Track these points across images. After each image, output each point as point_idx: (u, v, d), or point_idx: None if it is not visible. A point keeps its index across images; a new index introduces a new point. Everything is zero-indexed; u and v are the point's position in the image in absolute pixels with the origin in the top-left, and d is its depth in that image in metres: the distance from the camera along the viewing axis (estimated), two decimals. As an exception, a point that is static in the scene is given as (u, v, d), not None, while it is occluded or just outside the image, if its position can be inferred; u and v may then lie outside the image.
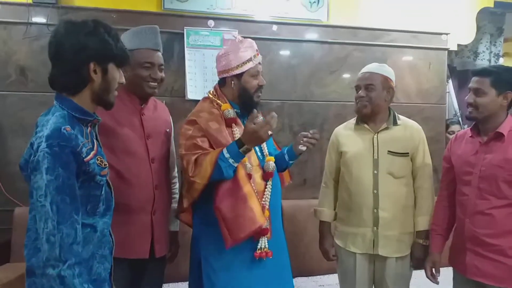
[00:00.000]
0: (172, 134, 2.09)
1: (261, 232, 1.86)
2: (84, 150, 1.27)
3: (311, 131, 2.00)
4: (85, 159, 1.26)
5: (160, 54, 1.94)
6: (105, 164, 1.35)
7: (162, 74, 1.93)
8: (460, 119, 3.94)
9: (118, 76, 1.37)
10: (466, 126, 3.87)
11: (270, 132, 1.76)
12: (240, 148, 1.78)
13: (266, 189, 1.93)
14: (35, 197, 1.23)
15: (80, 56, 1.28)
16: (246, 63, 1.93)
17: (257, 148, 1.98)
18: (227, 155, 1.77)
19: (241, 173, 1.84)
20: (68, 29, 1.29)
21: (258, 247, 1.88)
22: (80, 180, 1.27)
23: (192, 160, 1.81)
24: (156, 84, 1.91)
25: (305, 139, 1.98)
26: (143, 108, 1.92)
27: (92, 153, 1.30)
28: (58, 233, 1.20)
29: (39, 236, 1.22)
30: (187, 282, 2.07)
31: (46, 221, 1.20)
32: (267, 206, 1.91)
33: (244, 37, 2.01)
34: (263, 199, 1.91)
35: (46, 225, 1.20)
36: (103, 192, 1.36)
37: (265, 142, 1.98)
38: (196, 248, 1.97)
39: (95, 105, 1.37)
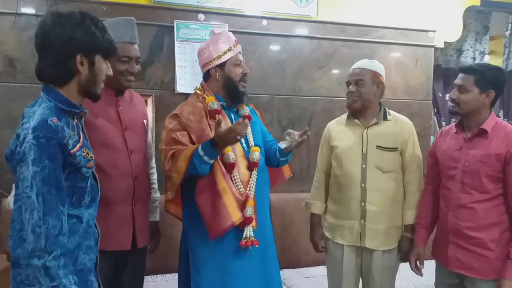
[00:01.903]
0: (149, 126, 2.10)
1: (245, 221, 1.89)
2: (71, 142, 1.27)
3: (297, 133, 1.97)
4: (71, 151, 1.27)
5: (136, 46, 1.93)
6: (91, 156, 1.36)
7: (139, 67, 1.93)
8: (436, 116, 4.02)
9: (105, 68, 1.38)
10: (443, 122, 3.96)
11: (238, 137, 1.78)
12: (214, 146, 1.80)
13: (251, 179, 1.96)
14: (21, 188, 1.23)
15: (67, 48, 1.28)
16: (226, 52, 1.97)
17: (242, 140, 1.98)
18: (201, 153, 1.80)
19: (217, 170, 1.85)
20: (55, 21, 1.29)
21: (244, 236, 1.90)
22: (66, 172, 1.27)
23: (169, 155, 1.86)
24: (133, 77, 1.91)
25: (290, 137, 1.97)
26: (119, 100, 1.91)
27: (78, 145, 1.30)
28: (44, 224, 1.20)
29: (25, 227, 1.23)
30: (176, 274, 2.10)
31: (32, 212, 1.20)
32: (251, 196, 1.93)
33: (234, 32, 2.07)
34: (248, 189, 1.93)
35: (32, 216, 1.20)
36: (88, 184, 1.37)
37: (251, 133, 2.03)
38: (185, 240, 2.00)
39: (82, 97, 1.37)
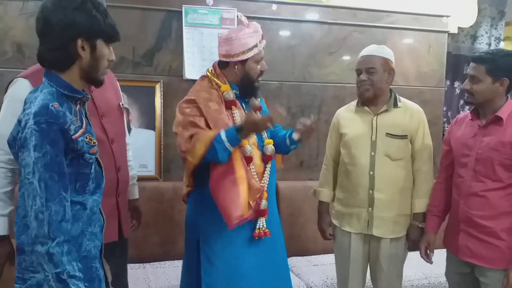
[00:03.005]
0: (123, 104, 1.98)
1: (259, 213, 1.90)
2: (72, 127, 1.25)
3: (309, 120, 1.95)
4: (73, 137, 1.25)
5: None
6: (94, 142, 1.34)
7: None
8: None
9: (107, 53, 1.35)
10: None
11: (269, 125, 1.76)
12: (239, 133, 1.77)
13: (265, 171, 1.95)
14: (23, 174, 1.22)
15: (67, 32, 1.26)
16: (252, 49, 1.89)
17: None
18: (224, 138, 1.76)
19: (237, 158, 1.83)
20: (56, 4, 1.27)
21: (257, 227, 1.91)
22: (68, 158, 1.26)
23: (187, 136, 1.81)
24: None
25: (302, 127, 1.94)
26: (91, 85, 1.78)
27: (81, 131, 1.29)
28: (47, 211, 1.19)
29: (28, 214, 1.22)
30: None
31: (35, 198, 1.19)
32: (265, 188, 1.93)
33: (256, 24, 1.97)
34: (263, 181, 1.93)
35: (35, 203, 1.19)
36: (92, 170, 1.35)
37: None
38: (193, 230, 1.98)
39: (84, 82, 1.35)
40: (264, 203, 1.91)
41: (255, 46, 1.90)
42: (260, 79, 1.99)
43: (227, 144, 1.76)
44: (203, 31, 2.95)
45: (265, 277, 1.94)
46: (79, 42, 1.28)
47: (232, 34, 1.90)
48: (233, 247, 1.90)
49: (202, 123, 1.86)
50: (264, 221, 1.93)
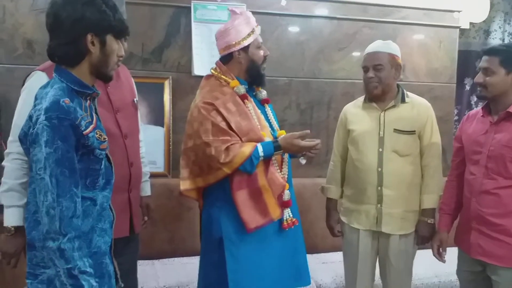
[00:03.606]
0: (137, 100, 2.00)
1: (285, 204, 1.94)
2: (83, 123, 1.26)
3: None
4: (84, 132, 1.25)
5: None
6: (104, 138, 1.34)
7: (126, 44, 1.75)
8: None
9: (117, 48, 1.35)
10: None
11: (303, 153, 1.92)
12: (276, 151, 1.85)
13: (284, 161, 1.98)
14: (34, 170, 1.23)
15: (77, 27, 1.27)
16: (250, 34, 1.94)
17: (267, 123, 2.01)
18: (261, 154, 1.82)
19: (260, 166, 1.86)
20: (65, 0, 1.28)
21: (284, 218, 1.94)
22: (79, 153, 1.26)
23: (223, 148, 1.82)
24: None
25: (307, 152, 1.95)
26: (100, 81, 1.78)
27: (91, 126, 1.29)
28: (58, 206, 1.20)
29: (39, 209, 1.23)
30: (193, 257, 2.07)
31: (46, 194, 1.20)
32: (286, 177, 1.96)
33: (252, 12, 2.01)
34: (282, 171, 1.97)
35: (46, 198, 1.20)
36: (102, 166, 1.36)
37: (273, 116, 2.06)
38: (214, 227, 1.95)
39: (94, 78, 1.36)
40: (287, 194, 1.95)
41: (252, 32, 1.94)
42: (265, 66, 2.01)
43: (261, 159, 1.84)
44: (212, 27, 2.93)
45: (286, 267, 1.98)
46: (89, 37, 1.28)
47: (228, 25, 1.95)
48: (258, 242, 1.91)
49: (227, 126, 1.88)
50: (290, 211, 1.97)
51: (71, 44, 1.28)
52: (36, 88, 1.38)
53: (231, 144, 1.83)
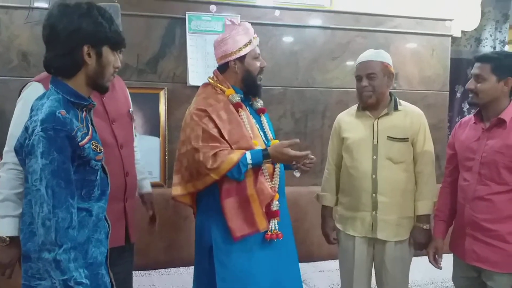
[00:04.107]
0: (132, 111, 2.02)
1: (272, 214, 1.92)
2: (79, 134, 1.26)
3: (310, 156, 1.95)
4: (80, 144, 1.26)
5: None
6: (100, 149, 1.35)
7: (121, 56, 1.78)
8: None
9: (113, 59, 1.36)
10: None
11: (294, 163, 1.91)
12: (265, 159, 1.84)
13: (275, 172, 1.97)
14: (30, 181, 1.23)
15: (73, 38, 1.27)
16: (247, 45, 1.94)
17: (261, 132, 2.01)
18: (250, 161, 1.82)
19: (250, 175, 1.86)
20: (62, 11, 1.28)
21: (269, 229, 1.92)
22: (75, 164, 1.26)
23: (211, 154, 1.83)
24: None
25: (302, 164, 1.96)
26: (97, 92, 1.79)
27: (87, 137, 1.30)
28: (54, 217, 1.20)
29: (35, 221, 1.23)
30: (190, 267, 2.07)
31: (42, 205, 1.20)
32: (276, 188, 1.95)
33: (246, 22, 2.02)
34: (273, 181, 1.95)
35: (42, 209, 1.20)
36: (98, 177, 1.36)
37: (268, 126, 2.06)
38: (205, 235, 1.96)
39: (90, 89, 1.36)
40: (275, 204, 1.93)
41: (250, 42, 1.95)
42: (261, 77, 2.02)
43: (249, 166, 1.83)
44: (207, 38, 2.96)
45: (277, 279, 1.95)
46: (85, 48, 1.29)
47: (226, 34, 1.96)
48: (247, 250, 1.91)
49: (218, 133, 1.88)
50: (277, 223, 1.94)
51: (67, 56, 1.29)
52: (32, 98, 1.38)
53: (220, 150, 1.84)
